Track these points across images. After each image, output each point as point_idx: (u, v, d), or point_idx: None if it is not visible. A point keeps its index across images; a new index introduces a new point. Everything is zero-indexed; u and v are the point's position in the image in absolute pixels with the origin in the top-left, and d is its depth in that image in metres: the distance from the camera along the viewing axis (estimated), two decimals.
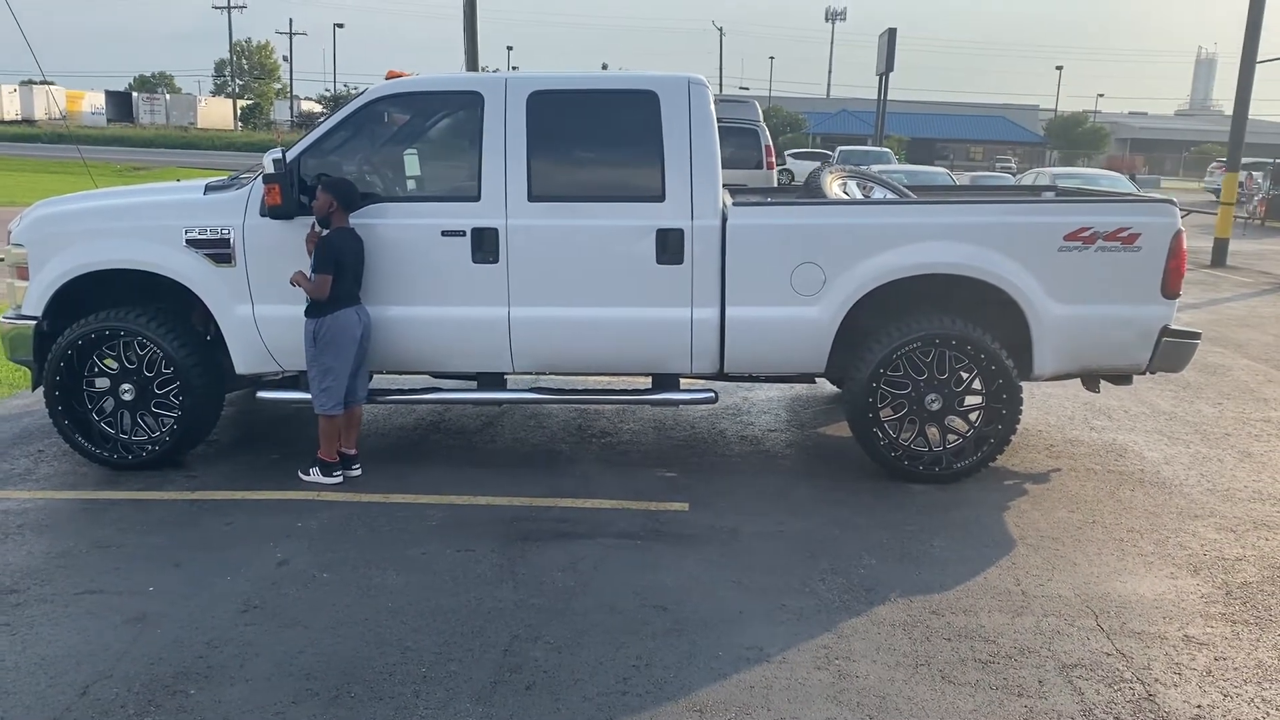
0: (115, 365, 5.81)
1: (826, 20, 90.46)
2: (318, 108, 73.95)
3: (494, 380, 5.98)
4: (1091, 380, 6.12)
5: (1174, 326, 5.72)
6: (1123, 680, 3.76)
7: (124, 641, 3.91)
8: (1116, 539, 5.13)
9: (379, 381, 6.43)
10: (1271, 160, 30.62)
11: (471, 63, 22.05)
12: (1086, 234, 5.57)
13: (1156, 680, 3.77)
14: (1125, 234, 5.57)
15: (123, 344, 5.73)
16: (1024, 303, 5.58)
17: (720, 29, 76.03)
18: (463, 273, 5.61)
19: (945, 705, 3.58)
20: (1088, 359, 5.79)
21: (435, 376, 6.30)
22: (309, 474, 5.67)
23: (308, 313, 5.43)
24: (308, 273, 5.37)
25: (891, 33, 30.55)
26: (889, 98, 32.61)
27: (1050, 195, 7.58)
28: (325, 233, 5.40)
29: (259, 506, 5.35)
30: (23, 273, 5.86)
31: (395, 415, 7.16)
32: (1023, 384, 5.74)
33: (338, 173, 5.60)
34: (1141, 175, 37.23)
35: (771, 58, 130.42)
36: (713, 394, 5.96)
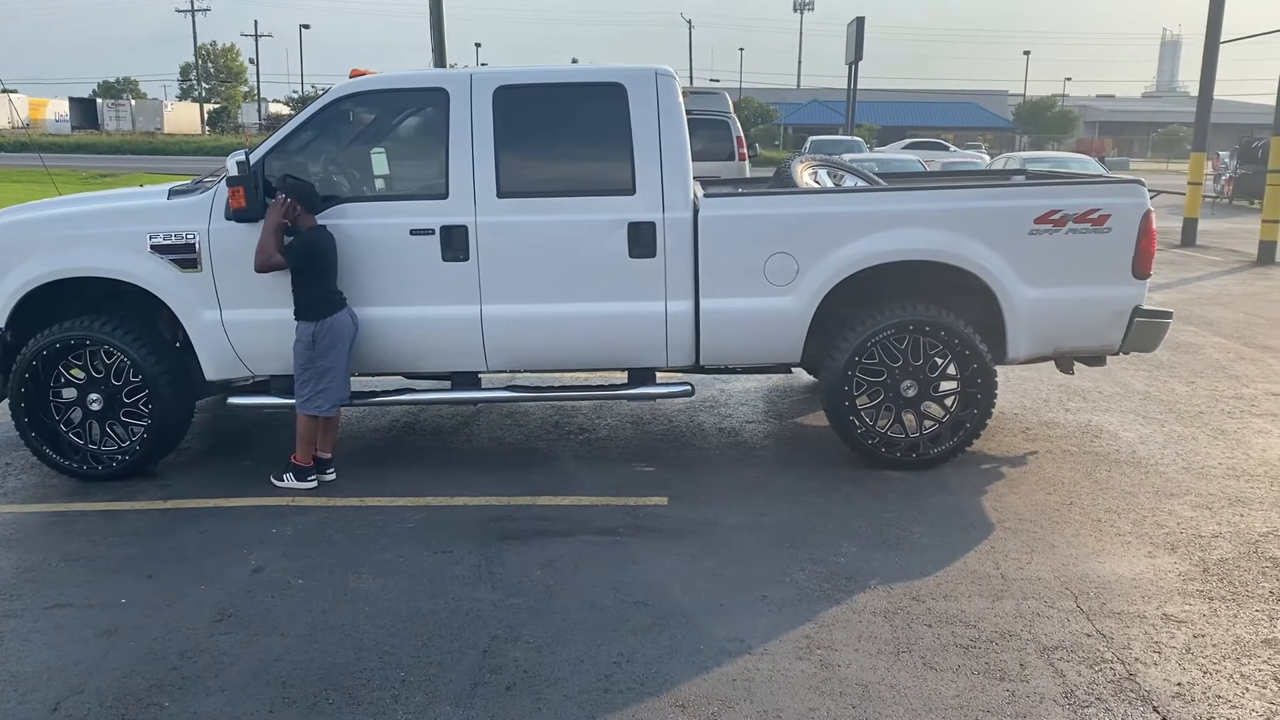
0: (82, 375, 5.71)
1: (795, 10, 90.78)
2: (286, 110, 73.42)
3: (469, 380, 5.91)
4: (1065, 362, 6.14)
5: (1146, 306, 5.75)
6: (1103, 661, 3.77)
7: (96, 655, 3.85)
8: (1094, 520, 5.14)
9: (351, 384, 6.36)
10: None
11: (439, 60, 21.90)
12: (1057, 216, 5.58)
13: (1137, 659, 3.78)
14: (1095, 215, 5.59)
15: (89, 353, 5.64)
16: (996, 287, 5.59)
17: (689, 22, 75.91)
18: (433, 271, 5.56)
19: (928, 692, 3.57)
20: (1061, 341, 5.80)
21: (408, 377, 6.25)
22: (283, 479, 5.59)
23: (302, 316, 5.34)
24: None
25: (859, 21, 30.74)
26: (859, 86, 32.77)
27: (1020, 179, 7.60)
28: (291, 240, 5.32)
29: (233, 514, 5.28)
30: None
31: (369, 418, 7.10)
32: (997, 368, 5.75)
33: (304, 174, 5.54)
34: (1111, 158, 37.48)
35: (741, 49, 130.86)
36: (689, 387, 5.92)
